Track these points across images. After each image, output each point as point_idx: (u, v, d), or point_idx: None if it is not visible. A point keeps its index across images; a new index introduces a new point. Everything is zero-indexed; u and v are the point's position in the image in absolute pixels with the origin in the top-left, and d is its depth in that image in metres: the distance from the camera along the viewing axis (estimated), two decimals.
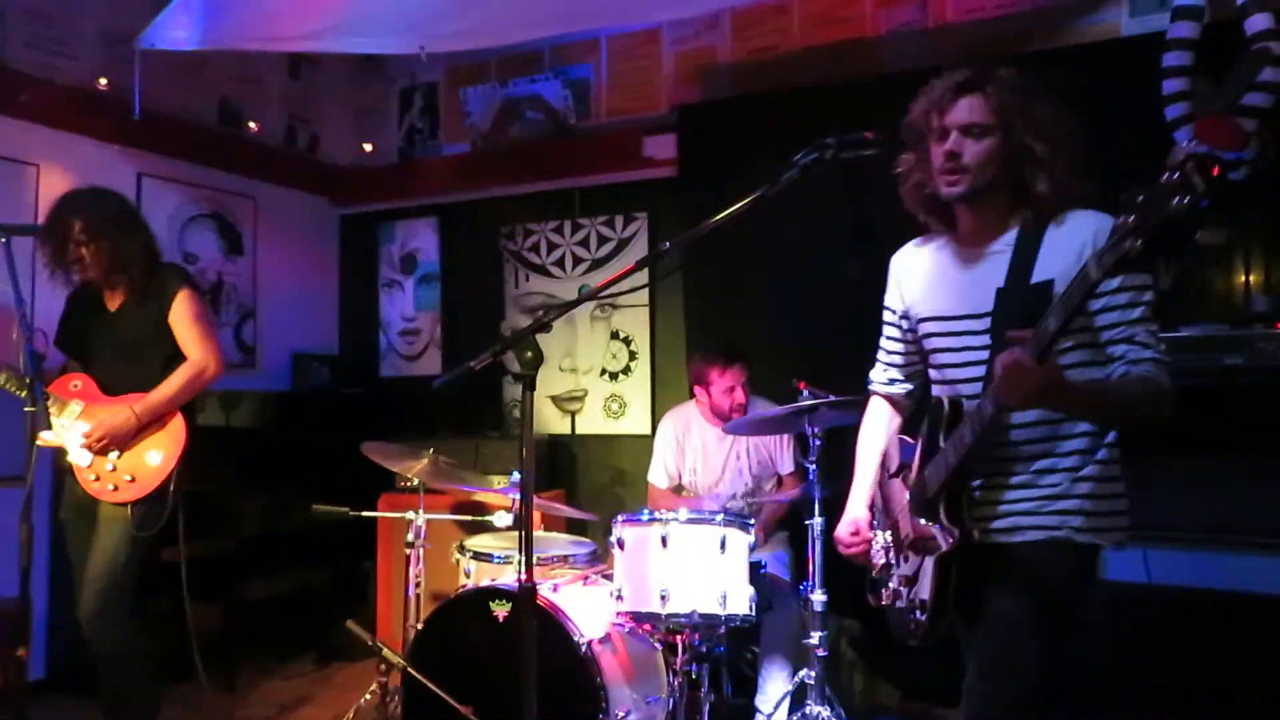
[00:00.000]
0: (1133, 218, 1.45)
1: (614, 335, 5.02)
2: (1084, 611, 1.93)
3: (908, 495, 2.05)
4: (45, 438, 2.99)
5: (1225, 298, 3.57)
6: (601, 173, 4.99)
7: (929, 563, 1.93)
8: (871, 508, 2.23)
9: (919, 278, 2.10)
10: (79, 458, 2.99)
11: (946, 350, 2.01)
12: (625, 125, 4.92)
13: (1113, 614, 3.03)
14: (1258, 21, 3.20)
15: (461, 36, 4.25)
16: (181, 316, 3.06)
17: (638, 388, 4.96)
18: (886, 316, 2.22)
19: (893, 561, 2.11)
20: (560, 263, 5.16)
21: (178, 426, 3.05)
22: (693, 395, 3.90)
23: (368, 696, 3.34)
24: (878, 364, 2.28)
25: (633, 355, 4.97)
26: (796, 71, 4.46)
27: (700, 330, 4.50)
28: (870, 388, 2.31)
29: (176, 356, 3.07)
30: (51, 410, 3.00)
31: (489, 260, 5.34)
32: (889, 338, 2.23)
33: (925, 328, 2.07)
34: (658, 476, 3.86)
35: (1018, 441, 1.91)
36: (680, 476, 3.84)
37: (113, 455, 2.99)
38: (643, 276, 2.04)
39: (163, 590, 3.21)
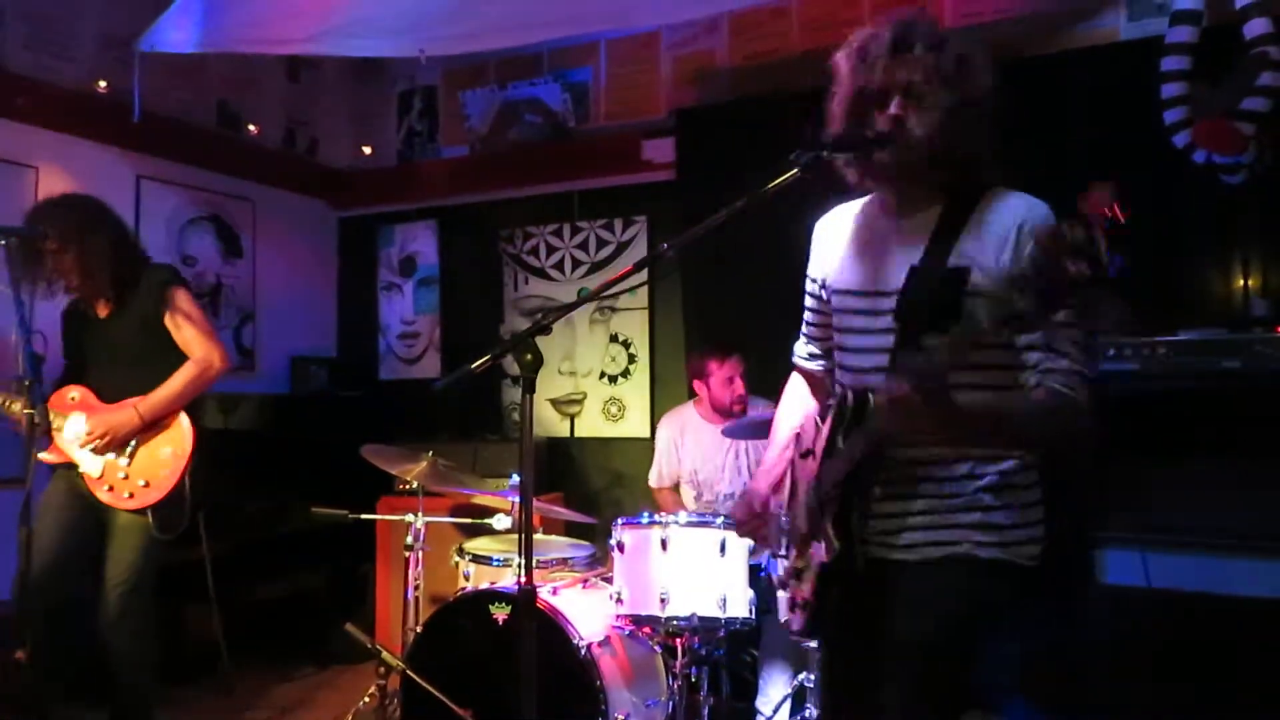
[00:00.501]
0: (1030, 272, 1.35)
1: (613, 338, 5.02)
2: (1013, 628, 1.87)
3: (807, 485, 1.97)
4: (49, 455, 2.99)
5: (1224, 302, 3.57)
6: (600, 176, 5.00)
7: (813, 565, 1.87)
8: (780, 487, 2.13)
9: (838, 247, 1.97)
10: (90, 468, 2.99)
11: (851, 330, 1.90)
12: (624, 129, 4.92)
13: (1112, 618, 3.03)
14: (1256, 26, 3.21)
15: (461, 40, 4.25)
16: (176, 316, 3.02)
17: (637, 391, 4.96)
18: (808, 286, 2.08)
19: (786, 546, 2.04)
20: (559, 266, 5.16)
21: (184, 426, 3.02)
22: (691, 396, 3.91)
23: (366, 699, 3.34)
24: (800, 336, 2.18)
25: (632, 358, 4.97)
26: (795, 75, 4.45)
27: (699, 332, 4.50)
28: (793, 360, 2.22)
29: (176, 356, 3.03)
30: (53, 425, 2.99)
31: (488, 263, 5.34)
32: (809, 309, 2.11)
33: (836, 301, 1.95)
34: (655, 479, 3.89)
35: (919, 459, 1.80)
36: (679, 479, 3.85)
37: (123, 462, 2.97)
38: (641, 279, 2.03)
39: (161, 593, 3.20)
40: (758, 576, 3.03)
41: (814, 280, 2.06)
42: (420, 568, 3.45)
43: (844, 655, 1.97)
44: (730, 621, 2.87)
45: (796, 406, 2.19)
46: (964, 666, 1.77)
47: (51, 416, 2.98)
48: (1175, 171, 3.43)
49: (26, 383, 2.62)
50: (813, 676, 3.06)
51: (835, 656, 1.98)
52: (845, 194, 1.99)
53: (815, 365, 2.15)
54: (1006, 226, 1.71)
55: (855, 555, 1.79)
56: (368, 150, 5.68)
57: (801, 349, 2.18)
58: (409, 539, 3.45)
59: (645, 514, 3.02)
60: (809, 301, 2.10)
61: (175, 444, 3.01)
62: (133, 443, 2.99)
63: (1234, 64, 3.29)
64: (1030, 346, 1.68)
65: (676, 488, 3.88)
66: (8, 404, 2.96)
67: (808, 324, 2.13)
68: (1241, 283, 3.58)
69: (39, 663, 2.98)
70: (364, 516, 3.79)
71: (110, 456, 2.98)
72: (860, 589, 1.83)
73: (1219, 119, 3.29)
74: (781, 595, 2.07)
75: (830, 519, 1.81)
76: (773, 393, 3.71)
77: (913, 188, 1.82)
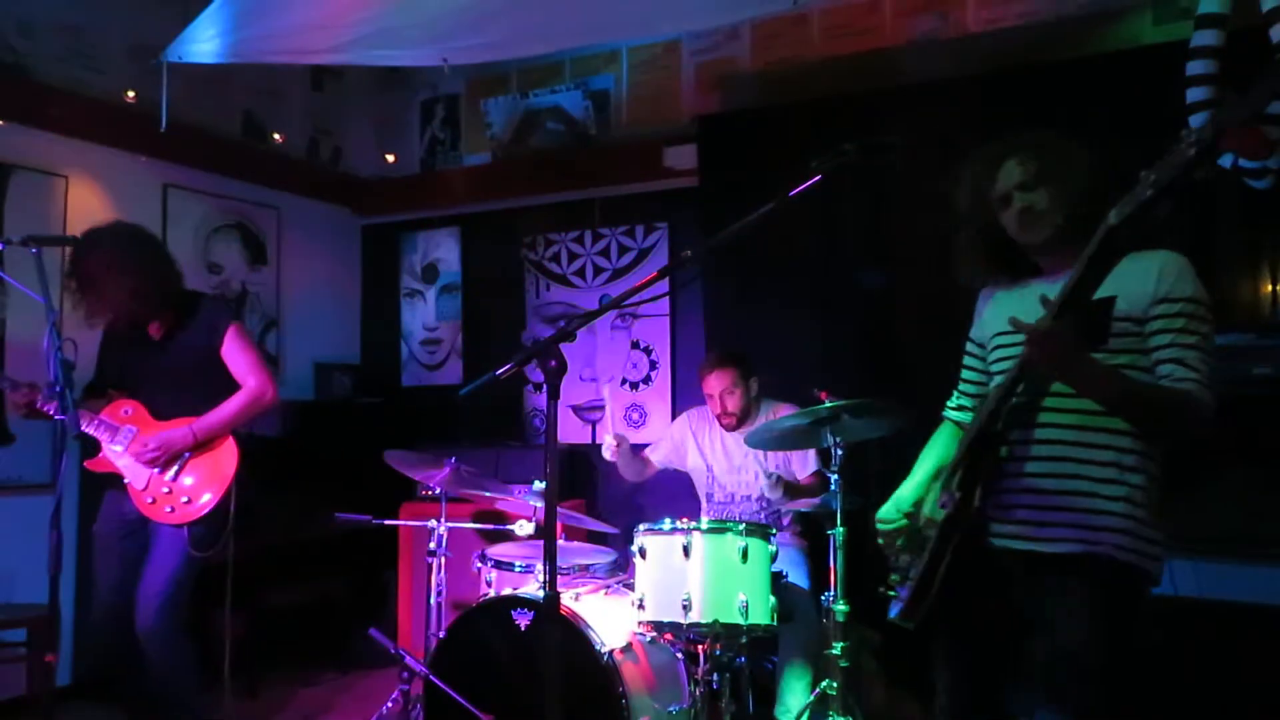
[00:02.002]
0: (1152, 175, 1.62)
1: (634, 345, 5.02)
2: (1134, 633, 1.96)
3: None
4: (95, 465, 3.05)
5: (1252, 307, 3.54)
6: (622, 183, 5.01)
7: (931, 541, 2.03)
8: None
9: (999, 306, 2.18)
10: (135, 480, 3.05)
11: (1008, 359, 2.08)
12: (645, 136, 4.93)
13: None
14: None
15: (484, 49, 4.28)
16: (234, 349, 3.14)
17: (658, 397, 4.96)
18: (967, 347, 2.32)
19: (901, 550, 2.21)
20: (581, 272, 5.18)
21: (231, 448, 3.13)
22: None
23: (389, 704, 3.36)
24: (954, 393, 2.37)
25: (653, 365, 4.98)
26: (817, 82, 4.46)
27: (720, 339, 4.50)
28: (944, 413, 2.39)
29: (225, 383, 3.12)
30: (103, 437, 3.07)
31: (510, 270, 5.37)
32: (965, 366, 2.32)
33: (995, 343, 2.16)
34: (652, 454, 3.92)
35: (1056, 440, 1.96)
36: (674, 468, 3.88)
37: (168, 477, 3.04)
38: (663, 285, 2.05)
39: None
40: (779, 583, 3.02)
41: (973, 342, 2.31)
42: (443, 573, 3.46)
43: (972, 644, 2.11)
44: (752, 628, 2.87)
45: (939, 449, 2.35)
46: (1107, 671, 1.90)
47: (103, 429, 3.06)
48: (1201, 176, 3.40)
49: (58, 389, 2.65)
50: (834, 685, 3.05)
51: (961, 646, 2.13)
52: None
53: (960, 416, 2.35)
54: (1149, 267, 1.94)
55: (970, 505, 1.95)
56: (391, 158, 5.73)
57: (953, 401, 2.38)
58: (431, 545, 3.47)
59: (667, 520, 3.02)
60: (966, 360, 2.33)
61: (221, 464, 3.10)
62: (181, 459, 3.07)
63: (1261, 67, 3.25)
64: (1161, 361, 1.89)
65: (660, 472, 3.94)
66: (36, 403, 3.00)
67: (963, 380, 2.34)
68: (1270, 288, 3.54)
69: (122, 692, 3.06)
70: (386, 522, 3.80)
71: (156, 470, 3.04)
72: (987, 576, 2.00)
73: (1245, 123, 3.26)
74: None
75: (959, 476, 1.98)
76: (794, 398, 3.74)
77: (1061, 254, 2.03)
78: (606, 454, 3.69)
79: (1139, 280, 1.92)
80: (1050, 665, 1.91)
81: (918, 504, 2.25)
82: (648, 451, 3.93)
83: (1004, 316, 2.08)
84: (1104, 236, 1.71)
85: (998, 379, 2.09)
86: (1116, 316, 1.90)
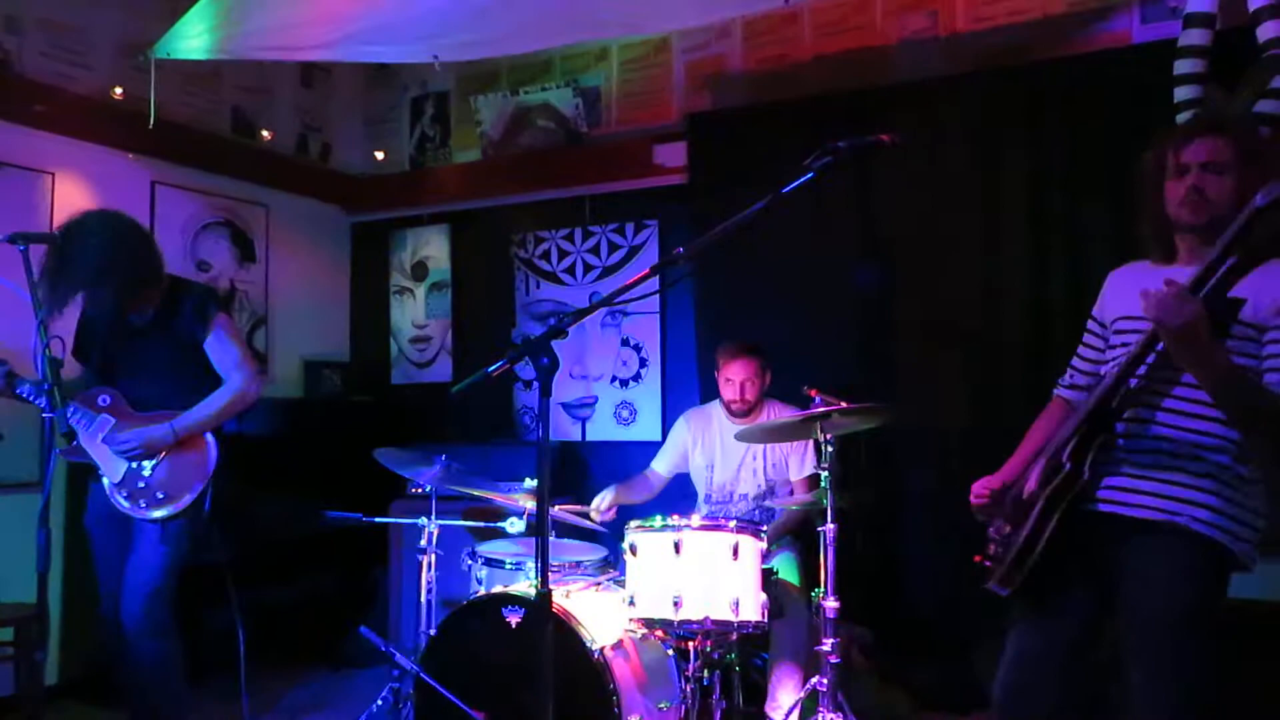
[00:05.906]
0: None
1: (624, 342, 5.02)
2: (1214, 608, 2.01)
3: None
4: (72, 451, 3.02)
5: None
6: (612, 180, 5.01)
7: (1035, 508, 2.07)
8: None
9: (1126, 288, 2.19)
10: (111, 474, 3.00)
11: (1129, 343, 2.10)
12: (636, 134, 4.93)
13: None
14: (1270, 28, 3.20)
15: (475, 46, 4.27)
16: (219, 341, 3.07)
17: (648, 394, 4.96)
18: (1088, 324, 2.34)
19: (1003, 521, 2.24)
20: (571, 270, 5.18)
21: (209, 445, 3.06)
22: (703, 399, 3.91)
23: (379, 702, 3.35)
24: (1068, 370, 2.40)
25: (643, 362, 4.98)
26: (807, 80, 4.47)
27: (711, 337, 4.50)
28: (1055, 391, 2.43)
29: (208, 374, 3.07)
30: (79, 425, 3.01)
31: (500, 268, 5.36)
32: (1083, 343, 2.35)
33: (1116, 326, 2.19)
34: (659, 464, 3.90)
35: (1159, 420, 2.02)
36: (679, 472, 3.87)
37: (145, 472, 3.00)
38: (653, 283, 2.05)
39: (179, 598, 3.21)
40: (770, 580, 3.03)
41: (1094, 319, 2.33)
42: (433, 571, 3.45)
43: (1050, 623, 2.16)
44: (743, 625, 2.87)
45: (1046, 425, 2.40)
46: (1183, 640, 1.95)
47: (80, 416, 3.01)
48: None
49: (46, 388, 2.63)
50: (824, 681, 3.06)
51: (1038, 622, 2.18)
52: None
53: (1072, 394, 2.39)
54: None
55: (1081, 473, 2.02)
56: (380, 155, 5.71)
57: (1065, 379, 2.42)
58: (422, 542, 3.46)
59: (658, 517, 3.02)
60: (1085, 337, 2.35)
61: (198, 462, 3.03)
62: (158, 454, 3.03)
63: (1248, 66, 3.28)
64: (1269, 370, 1.92)
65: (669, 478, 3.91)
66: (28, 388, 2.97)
67: (1079, 357, 2.37)
68: None
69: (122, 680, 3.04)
70: (376, 520, 3.79)
71: (133, 465, 3.00)
72: (1082, 542, 2.06)
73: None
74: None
75: (1071, 447, 2.04)
76: (783, 395, 3.75)
77: (1205, 242, 2.03)
78: (596, 516, 3.64)
79: (1271, 289, 1.94)
80: (1127, 628, 1.98)
81: (1019, 477, 2.27)
82: (654, 463, 3.91)
83: (1130, 298, 2.12)
84: (1248, 218, 1.73)
85: (1113, 363, 2.13)
86: (1241, 320, 1.93)
